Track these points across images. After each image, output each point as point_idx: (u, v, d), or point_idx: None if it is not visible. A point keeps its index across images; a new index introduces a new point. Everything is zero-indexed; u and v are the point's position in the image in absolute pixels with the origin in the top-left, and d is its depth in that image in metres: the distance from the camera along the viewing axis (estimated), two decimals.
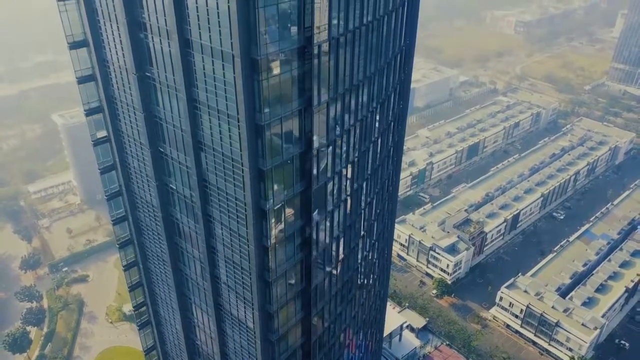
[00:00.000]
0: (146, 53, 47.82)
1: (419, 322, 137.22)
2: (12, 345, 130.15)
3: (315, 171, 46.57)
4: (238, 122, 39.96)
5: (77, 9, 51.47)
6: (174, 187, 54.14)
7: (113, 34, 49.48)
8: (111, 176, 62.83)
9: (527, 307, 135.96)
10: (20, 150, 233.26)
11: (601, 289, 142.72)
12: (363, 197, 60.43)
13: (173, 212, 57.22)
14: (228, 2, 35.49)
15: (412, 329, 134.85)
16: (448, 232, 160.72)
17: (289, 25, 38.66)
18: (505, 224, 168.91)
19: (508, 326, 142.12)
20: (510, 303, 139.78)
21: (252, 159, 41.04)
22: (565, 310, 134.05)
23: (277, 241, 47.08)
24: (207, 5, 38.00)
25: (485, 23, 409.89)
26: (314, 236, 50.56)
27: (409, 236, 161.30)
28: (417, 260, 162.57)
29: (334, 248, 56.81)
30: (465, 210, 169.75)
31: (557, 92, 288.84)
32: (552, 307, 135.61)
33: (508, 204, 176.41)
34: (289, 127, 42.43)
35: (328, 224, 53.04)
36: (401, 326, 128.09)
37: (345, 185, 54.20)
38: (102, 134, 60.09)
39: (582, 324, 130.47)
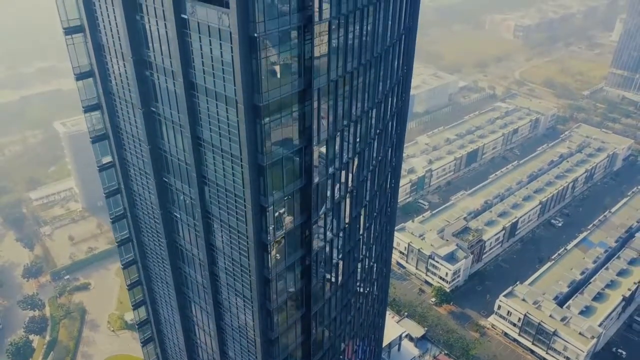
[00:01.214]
0: (151, 89, 49.23)
1: (418, 331, 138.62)
2: (15, 354, 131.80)
3: (315, 202, 47.98)
4: (241, 161, 41.35)
5: (84, 42, 52.87)
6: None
7: (119, 70, 50.92)
8: (116, 199, 64.14)
9: (525, 315, 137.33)
10: (22, 156, 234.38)
11: (598, 297, 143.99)
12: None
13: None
14: (232, 53, 36.95)
15: (411, 339, 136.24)
16: (447, 240, 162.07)
17: (289, 74, 40.09)
18: (503, 231, 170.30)
19: (506, 334, 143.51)
20: (509, 311, 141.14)
21: (254, 196, 42.42)
22: (562, 319, 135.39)
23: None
24: (211, 53, 39.50)
25: (484, 27, 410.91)
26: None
27: (408, 244, 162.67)
28: (417, 268, 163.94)
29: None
30: (464, 218, 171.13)
31: (556, 97, 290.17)
32: (550, 315, 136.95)
33: (507, 211, 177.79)
34: (290, 165, 43.84)
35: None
36: (400, 336, 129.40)
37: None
38: (107, 159, 61.47)
39: (580, 333, 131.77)
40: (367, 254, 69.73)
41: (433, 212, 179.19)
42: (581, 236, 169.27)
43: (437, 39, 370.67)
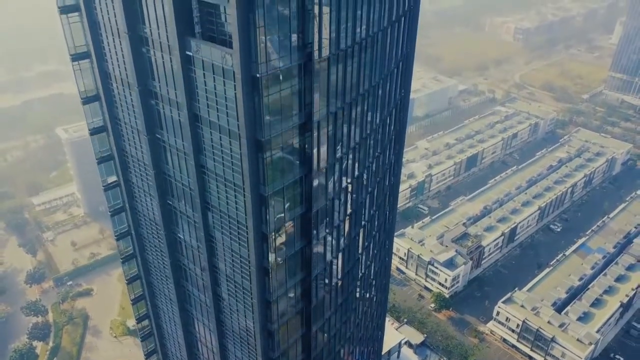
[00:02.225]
0: (157, 117, 50.54)
1: (417, 338, 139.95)
2: None
3: (315, 227, 49.38)
4: (243, 191, 42.70)
5: (90, 68, 54.20)
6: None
7: (125, 97, 52.24)
8: (121, 217, 65.45)
9: (524, 322, 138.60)
10: (24, 161, 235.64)
11: (596, 303, 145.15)
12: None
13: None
14: (235, 90, 38.29)
15: (410, 345, 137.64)
16: (446, 246, 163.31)
17: (290, 109, 41.46)
18: (502, 237, 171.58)
19: (505, 340, 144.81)
20: (507, 318, 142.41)
21: (256, 224, 43.80)
22: (560, 325, 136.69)
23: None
24: (215, 89, 40.84)
25: (484, 30, 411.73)
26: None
27: (408, 250, 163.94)
28: (416, 274, 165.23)
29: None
30: (464, 224, 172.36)
31: (555, 101, 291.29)
32: (548, 322, 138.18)
33: (506, 217, 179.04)
34: (291, 194, 45.24)
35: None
36: (399, 343, 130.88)
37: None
38: (112, 179, 62.81)
39: (577, 339, 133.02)
40: (366, 272, 71.02)
41: (432, 217, 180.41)
42: (579, 242, 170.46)
43: (437, 42, 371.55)
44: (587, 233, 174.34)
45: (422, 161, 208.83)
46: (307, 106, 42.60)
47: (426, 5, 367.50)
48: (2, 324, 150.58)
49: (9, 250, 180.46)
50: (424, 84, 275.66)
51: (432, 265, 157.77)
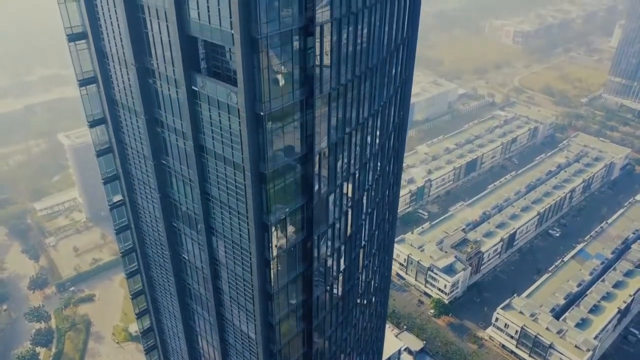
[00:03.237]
0: (162, 144, 51.82)
1: (417, 344, 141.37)
2: None
3: (317, 254, 50.88)
4: (247, 219, 44.09)
5: (97, 93, 55.54)
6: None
7: (132, 125, 53.56)
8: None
9: (522, 328, 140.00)
10: (26, 166, 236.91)
11: (594, 309, 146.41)
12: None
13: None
14: (239, 126, 39.67)
15: (410, 352, 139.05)
16: (446, 252, 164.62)
17: (293, 142, 42.84)
18: (501, 243, 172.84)
19: (504, 346, 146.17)
20: (506, 324, 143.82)
21: (259, 250, 45.20)
22: (559, 332, 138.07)
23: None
24: (220, 123, 42.22)
25: (484, 33, 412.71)
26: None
27: (408, 256, 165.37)
28: (416, 280, 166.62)
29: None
30: (463, 230, 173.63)
31: (555, 105, 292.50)
32: (547, 328, 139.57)
33: (505, 222, 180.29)
34: (293, 221, 46.62)
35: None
36: (399, 350, 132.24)
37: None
38: (117, 198, 64.16)
39: (575, 346, 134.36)
40: (366, 289, 72.14)
41: (432, 223, 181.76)
42: (578, 248, 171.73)
43: (437, 44, 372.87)
44: (586, 239, 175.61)
45: (421, 166, 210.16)
46: (309, 137, 43.93)
47: (426, 7, 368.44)
48: (6, 330, 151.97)
49: (12, 256, 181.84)
50: (424, 88, 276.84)
51: (432, 271, 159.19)
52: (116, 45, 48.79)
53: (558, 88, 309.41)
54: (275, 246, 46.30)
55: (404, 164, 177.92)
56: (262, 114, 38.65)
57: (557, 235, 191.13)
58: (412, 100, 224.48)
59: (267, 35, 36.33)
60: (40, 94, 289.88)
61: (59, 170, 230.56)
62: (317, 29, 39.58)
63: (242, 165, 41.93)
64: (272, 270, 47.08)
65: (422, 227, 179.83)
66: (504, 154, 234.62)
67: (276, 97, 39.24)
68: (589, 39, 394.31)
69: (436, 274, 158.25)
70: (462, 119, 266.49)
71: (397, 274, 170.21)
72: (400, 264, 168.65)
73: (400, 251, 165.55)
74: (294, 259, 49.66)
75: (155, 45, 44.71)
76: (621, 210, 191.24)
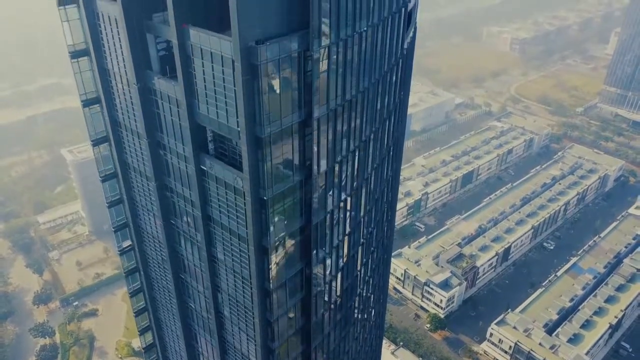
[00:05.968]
0: (172, 206, 55.06)
1: None
2: None
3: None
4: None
5: (109, 151, 58.81)
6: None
7: (143, 188, 56.81)
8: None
9: (516, 344, 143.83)
10: (28, 177, 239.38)
11: (586, 325, 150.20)
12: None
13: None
14: (245, 207, 43.17)
15: None
16: (442, 266, 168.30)
17: (293, 216, 46.34)
18: (496, 257, 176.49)
19: None
20: (500, 339, 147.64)
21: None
22: (551, 347, 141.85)
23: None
24: (227, 200, 45.56)
25: (481, 40, 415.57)
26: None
27: (405, 270, 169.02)
28: (412, 294, 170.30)
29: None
30: (458, 244, 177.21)
31: (550, 114, 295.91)
32: (540, 344, 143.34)
33: (500, 236, 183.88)
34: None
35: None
36: None
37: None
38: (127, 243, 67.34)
39: None
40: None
41: (428, 237, 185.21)
42: (571, 262, 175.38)
43: (434, 52, 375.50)
44: (579, 253, 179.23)
45: (418, 179, 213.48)
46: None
47: (423, 14, 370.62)
48: (12, 346, 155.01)
49: (16, 270, 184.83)
50: (421, 98, 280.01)
51: (428, 286, 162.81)
52: (129, 118, 52.00)
53: (554, 97, 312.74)
54: (276, 304, 49.52)
55: (401, 177, 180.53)
56: (265, 198, 42.11)
57: (551, 248, 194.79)
58: (410, 110, 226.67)
59: (270, 134, 39.83)
60: (42, 103, 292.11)
61: (61, 182, 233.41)
62: (315, 123, 43.11)
63: (247, 239, 45.28)
64: (272, 303, 49.98)
65: (419, 242, 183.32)
66: (500, 166, 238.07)
67: (278, 181, 42.66)
68: (585, 46, 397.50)
69: (432, 288, 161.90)
70: (459, 129, 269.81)
71: (394, 288, 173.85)
72: (397, 278, 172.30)
73: (397, 265, 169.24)
74: (294, 290, 52.61)
75: (166, 124, 47.87)
76: (614, 224, 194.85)
